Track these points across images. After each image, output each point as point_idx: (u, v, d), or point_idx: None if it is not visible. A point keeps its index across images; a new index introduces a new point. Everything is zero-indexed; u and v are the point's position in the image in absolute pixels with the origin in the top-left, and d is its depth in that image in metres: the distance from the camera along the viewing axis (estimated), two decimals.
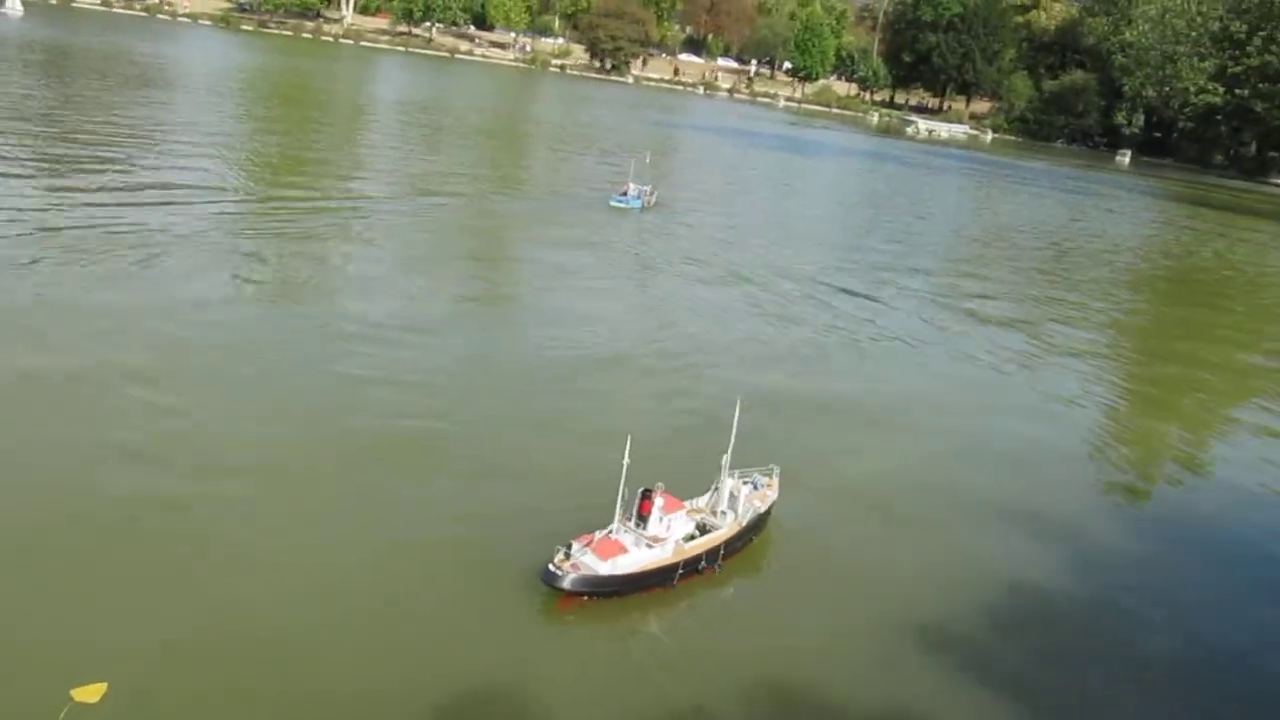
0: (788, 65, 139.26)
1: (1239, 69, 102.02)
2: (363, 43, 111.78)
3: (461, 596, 8.05)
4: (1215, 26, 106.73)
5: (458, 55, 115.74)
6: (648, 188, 28.16)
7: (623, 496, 7.80)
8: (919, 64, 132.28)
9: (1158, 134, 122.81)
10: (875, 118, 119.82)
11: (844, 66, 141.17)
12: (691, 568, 7.86)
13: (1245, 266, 35.21)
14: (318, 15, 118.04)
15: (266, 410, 11.25)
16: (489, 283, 18.52)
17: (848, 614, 8.65)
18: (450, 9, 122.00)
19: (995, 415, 13.84)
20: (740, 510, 8.50)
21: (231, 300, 14.88)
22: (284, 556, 8.45)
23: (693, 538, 8.13)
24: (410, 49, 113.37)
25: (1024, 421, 13.47)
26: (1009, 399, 14.45)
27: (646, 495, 8.14)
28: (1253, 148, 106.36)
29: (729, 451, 8.77)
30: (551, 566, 7.79)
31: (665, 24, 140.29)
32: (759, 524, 8.68)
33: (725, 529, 8.27)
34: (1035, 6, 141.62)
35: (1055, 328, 19.27)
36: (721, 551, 8.10)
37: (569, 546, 7.86)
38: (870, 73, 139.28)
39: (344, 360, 12.92)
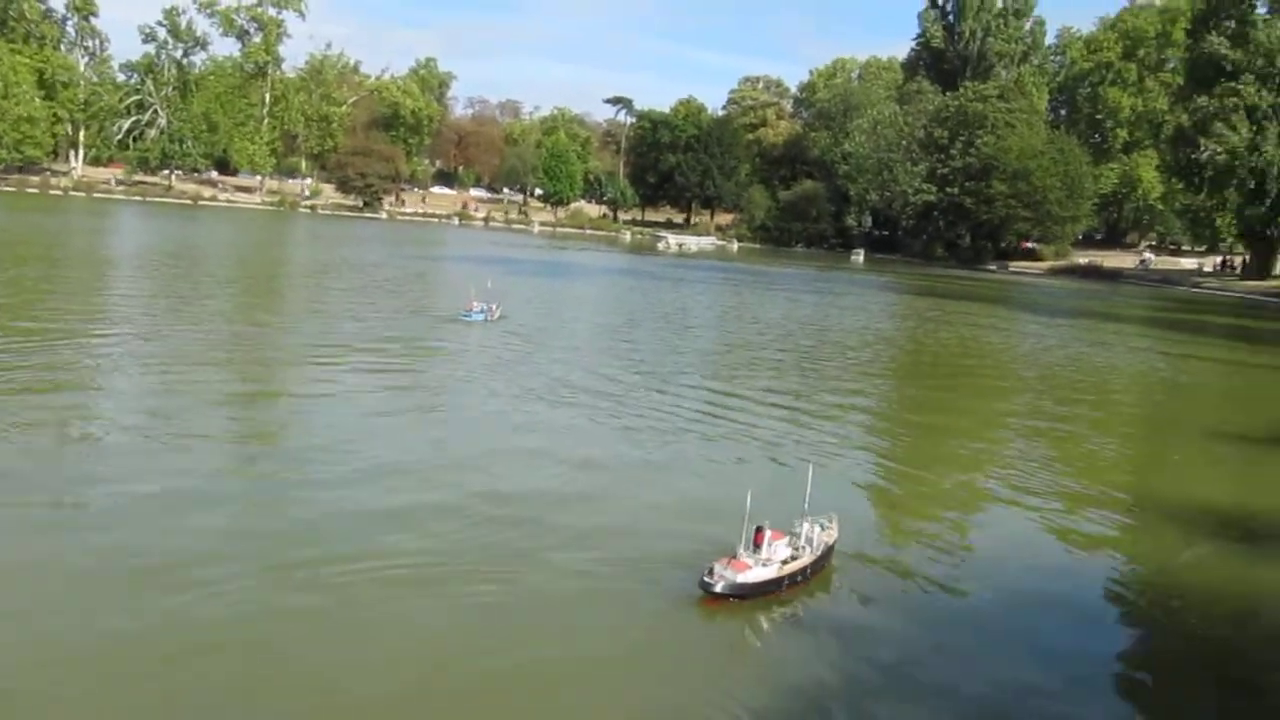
0: (539, 191, 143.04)
1: (946, 170, 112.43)
2: (95, 194, 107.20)
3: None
4: (921, 134, 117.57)
5: (201, 202, 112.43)
6: (493, 304, 31.36)
7: (745, 532, 10.75)
8: (663, 182, 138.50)
9: (885, 232, 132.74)
10: (628, 236, 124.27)
11: (592, 189, 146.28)
12: (792, 580, 10.86)
13: (973, 347, 38.44)
14: (44, 169, 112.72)
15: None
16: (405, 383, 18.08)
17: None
18: (190, 155, 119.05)
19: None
20: (815, 542, 11.45)
21: None
22: None
23: (789, 560, 11.03)
24: (149, 198, 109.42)
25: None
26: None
27: (759, 530, 11.09)
28: (967, 239, 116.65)
29: (806, 501, 11.55)
30: (705, 578, 10.62)
31: (415, 159, 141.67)
32: (829, 553, 11.66)
33: (810, 554, 11.27)
34: (763, 124, 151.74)
35: (811, 420, 20.55)
36: (809, 570, 11.13)
37: (712, 566, 10.75)
38: (618, 193, 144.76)
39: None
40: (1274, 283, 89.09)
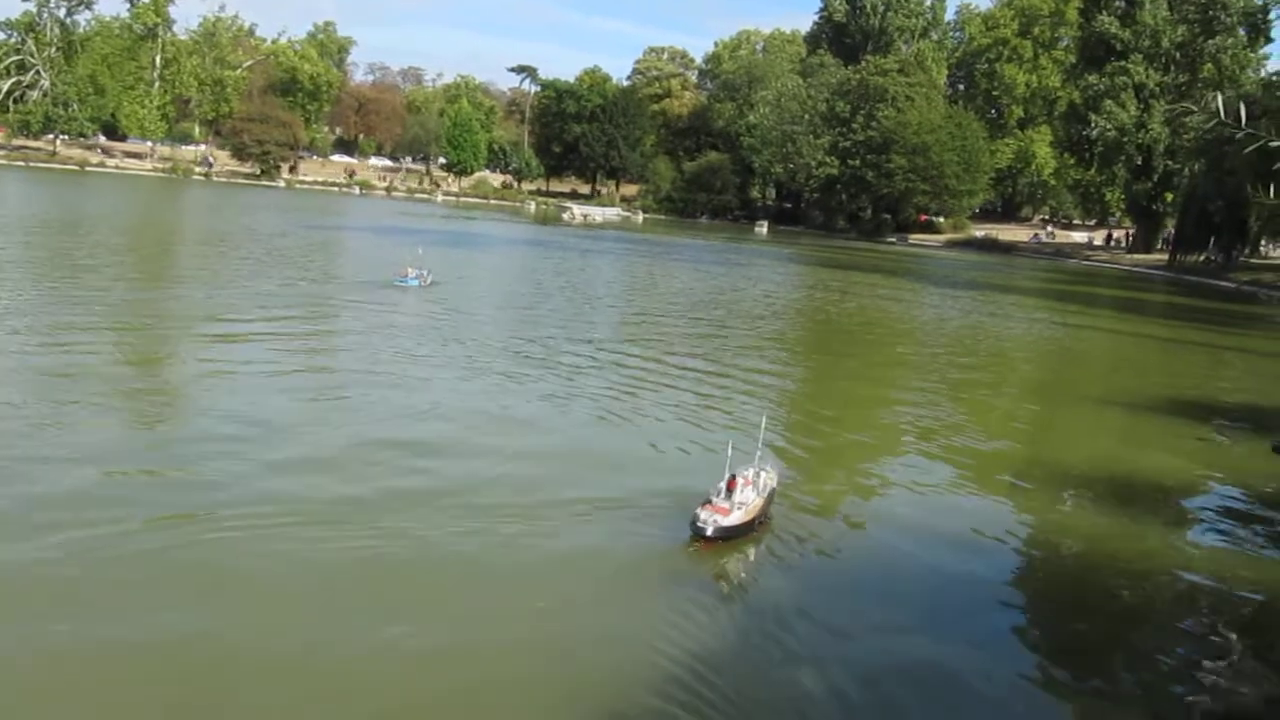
0: (442, 160, 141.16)
1: (848, 143, 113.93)
2: None
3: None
4: (823, 107, 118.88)
5: (88, 168, 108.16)
6: (425, 270, 32.36)
7: (725, 480, 11.61)
8: (568, 153, 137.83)
9: (789, 204, 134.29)
10: (532, 206, 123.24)
11: (497, 159, 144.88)
12: (759, 521, 11.69)
13: (877, 317, 39.12)
14: None
15: None
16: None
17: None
18: (76, 119, 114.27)
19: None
20: (765, 488, 12.22)
21: None
22: None
23: (754, 505, 11.83)
24: (31, 164, 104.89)
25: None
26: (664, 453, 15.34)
27: (733, 477, 11.73)
28: (869, 211, 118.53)
29: (760, 446, 12.44)
30: (697, 524, 11.27)
31: (314, 126, 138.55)
32: (773, 497, 12.46)
33: (766, 496, 12.13)
34: (668, 96, 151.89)
35: (720, 385, 20.68)
36: (767, 513, 12.11)
37: (698, 513, 11.43)
38: (523, 164, 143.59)
39: None
40: (1159, 256, 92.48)
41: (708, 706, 8.04)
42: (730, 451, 11.91)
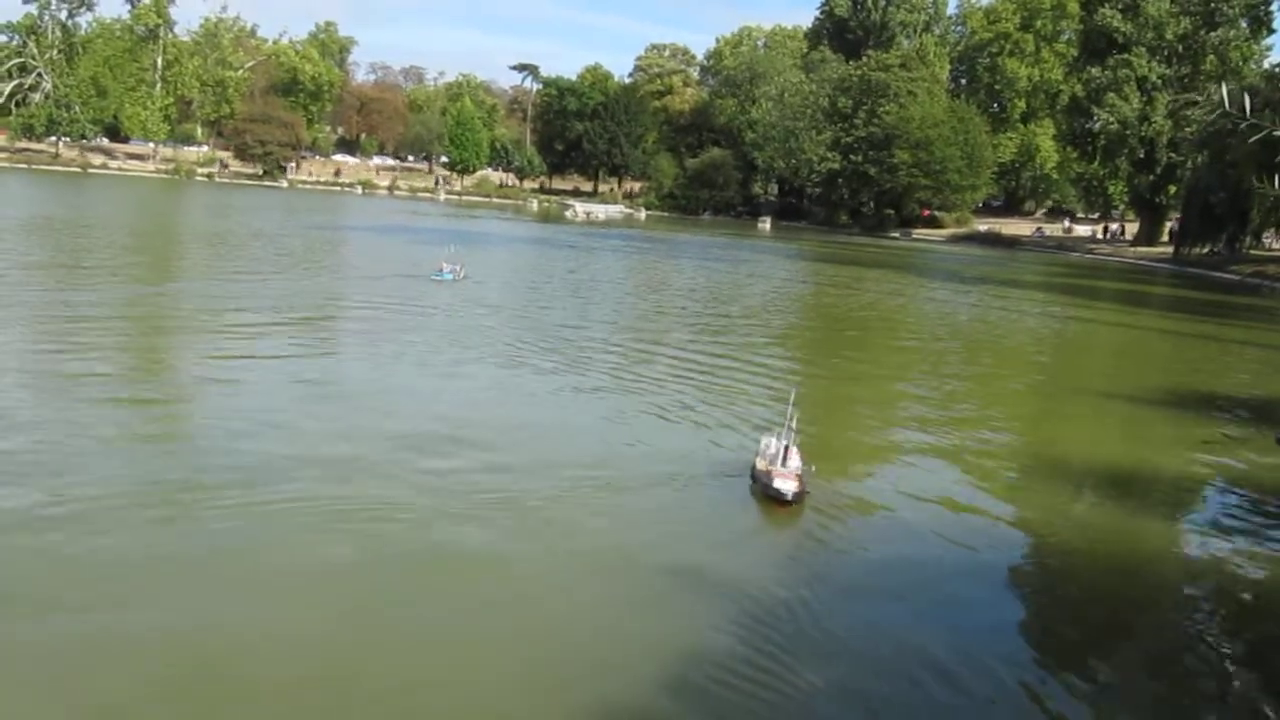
0: (444, 159, 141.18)
1: (850, 139, 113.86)
2: None
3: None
4: (825, 103, 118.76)
5: (91, 170, 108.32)
6: (459, 266, 34.43)
7: (784, 446, 12.78)
8: (570, 150, 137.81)
9: (792, 200, 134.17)
10: (535, 204, 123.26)
11: (499, 157, 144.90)
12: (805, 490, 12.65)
13: (883, 312, 39.18)
14: None
15: None
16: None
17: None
18: (78, 121, 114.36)
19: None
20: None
21: None
22: None
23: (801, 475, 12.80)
24: (34, 166, 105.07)
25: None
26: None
27: (787, 447, 12.71)
28: (871, 206, 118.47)
29: (789, 421, 13.07)
30: (775, 488, 12.39)
31: (316, 126, 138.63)
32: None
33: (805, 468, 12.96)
34: (670, 92, 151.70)
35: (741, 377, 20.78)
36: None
37: (770, 479, 12.53)
38: (525, 162, 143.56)
39: None
40: (1163, 249, 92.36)
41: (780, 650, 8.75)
42: (795, 421, 13.04)
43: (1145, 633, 10.61)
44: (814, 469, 13.09)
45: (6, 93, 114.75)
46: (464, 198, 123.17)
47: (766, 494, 12.55)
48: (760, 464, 13.01)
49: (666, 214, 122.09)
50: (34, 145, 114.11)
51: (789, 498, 12.39)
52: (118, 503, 11.16)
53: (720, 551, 11.13)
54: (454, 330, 24.68)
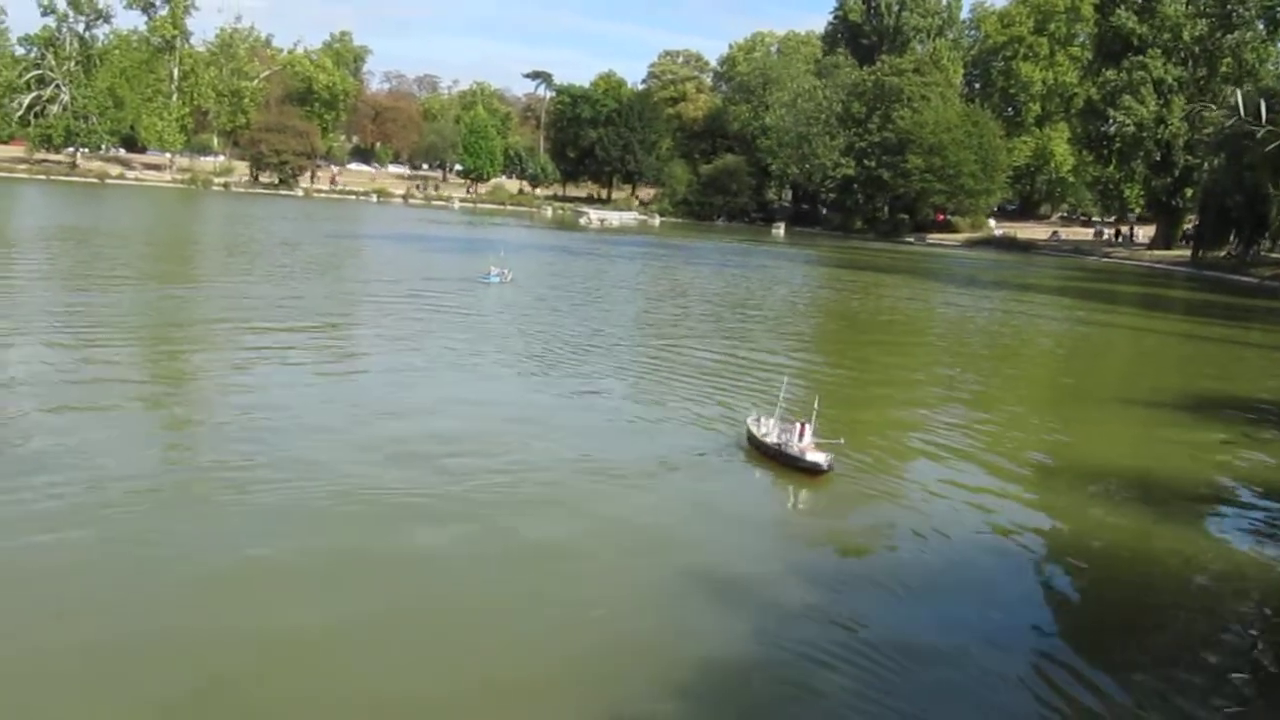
0: (458, 167, 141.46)
1: (864, 144, 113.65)
2: None
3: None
4: (839, 108, 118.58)
5: (108, 180, 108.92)
6: (506, 270, 36.88)
7: (801, 424, 14.28)
8: (584, 158, 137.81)
9: (805, 206, 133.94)
10: (549, 211, 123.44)
11: (513, 165, 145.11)
12: None
13: (900, 316, 39.16)
14: None
15: None
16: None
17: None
18: (95, 132, 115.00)
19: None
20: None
21: None
22: None
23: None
24: (52, 177, 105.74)
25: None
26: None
27: (803, 424, 14.06)
28: (885, 212, 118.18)
29: (779, 404, 15.11)
30: (810, 459, 13.82)
31: (330, 135, 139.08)
32: None
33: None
34: (683, 99, 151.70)
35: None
36: None
37: (802, 451, 13.94)
38: (539, 169, 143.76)
39: None
40: (1179, 252, 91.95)
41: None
42: (817, 404, 14.73)
43: (1167, 643, 10.56)
44: (843, 442, 14.68)
45: (25, 104, 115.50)
46: (478, 206, 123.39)
47: (795, 466, 13.95)
48: (771, 439, 14.50)
49: (680, 220, 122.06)
50: (52, 156, 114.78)
51: (825, 468, 13.84)
52: (173, 492, 11.51)
53: (760, 530, 12.58)
54: (509, 326, 27.50)
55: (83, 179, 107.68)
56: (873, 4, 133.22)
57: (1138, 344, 37.29)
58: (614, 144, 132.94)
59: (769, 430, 14.87)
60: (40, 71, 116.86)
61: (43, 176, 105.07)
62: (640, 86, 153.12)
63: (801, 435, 14.10)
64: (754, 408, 16.53)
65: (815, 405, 14.76)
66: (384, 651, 8.57)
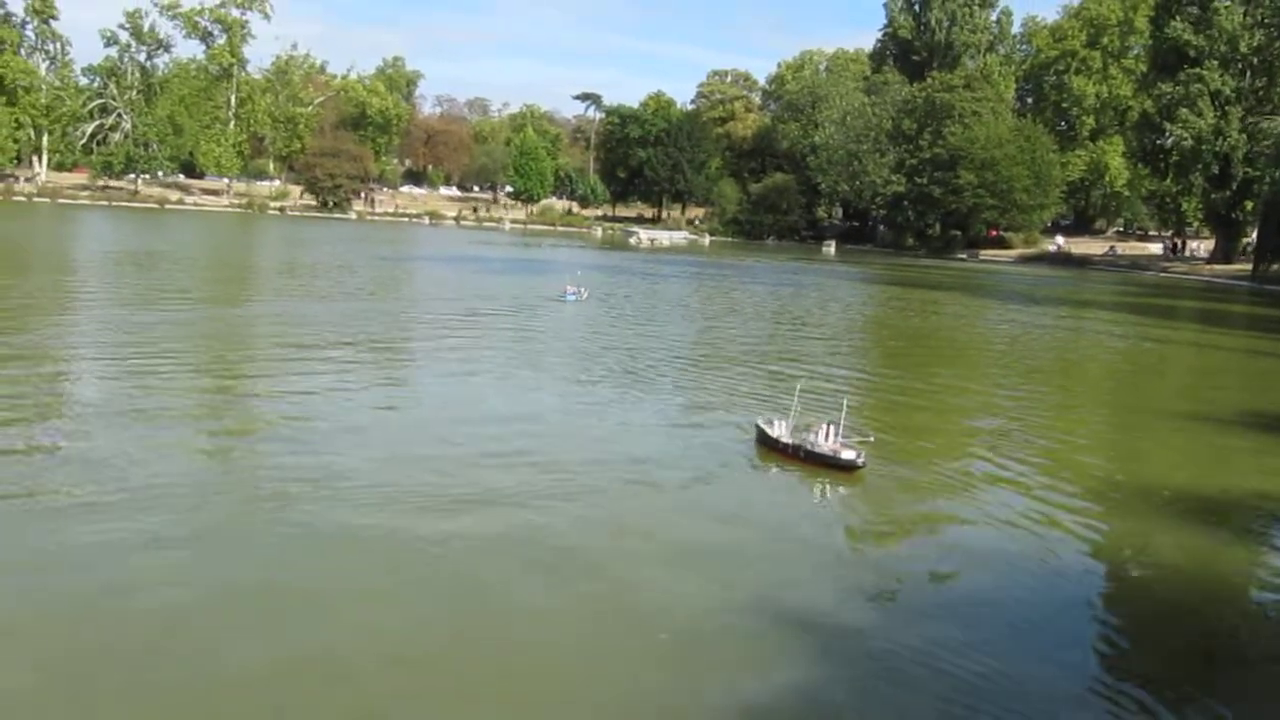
0: (509, 189, 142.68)
1: (915, 161, 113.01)
2: (60, 200, 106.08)
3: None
4: (889, 125, 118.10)
5: (168, 205, 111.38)
6: (582, 289, 39.36)
7: (828, 424, 15.38)
8: (633, 177, 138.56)
9: (856, 223, 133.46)
10: (599, 232, 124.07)
11: (563, 186, 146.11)
12: None
13: (955, 334, 38.90)
14: (7, 175, 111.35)
15: None
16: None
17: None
18: (155, 158, 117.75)
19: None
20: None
21: None
22: None
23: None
24: (114, 203, 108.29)
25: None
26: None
27: (829, 424, 15.04)
28: (937, 228, 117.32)
29: (842, 421, 15.53)
30: (847, 456, 14.71)
31: (383, 159, 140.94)
32: None
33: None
34: (732, 118, 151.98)
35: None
36: None
37: (836, 450, 14.82)
38: (589, 190, 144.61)
39: None
40: (1240, 266, 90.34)
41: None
42: (846, 407, 15.89)
43: (1230, 659, 10.34)
44: (872, 438, 15.80)
45: (89, 133, 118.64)
46: (529, 226, 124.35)
47: (826, 463, 14.75)
48: (793, 439, 15.35)
49: (730, 239, 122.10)
50: (114, 183, 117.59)
51: (860, 463, 14.67)
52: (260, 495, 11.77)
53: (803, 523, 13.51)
54: (592, 339, 29.99)
55: (143, 204, 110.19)
56: (922, 21, 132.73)
57: (1201, 360, 36.71)
58: (663, 164, 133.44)
59: (794, 431, 15.62)
60: (103, 100, 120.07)
61: (105, 202, 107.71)
62: (689, 106, 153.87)
63: (829, 434, 15.06)
64: (815, 416, 17.04)
65: (844, 406, 15.95)
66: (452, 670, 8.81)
